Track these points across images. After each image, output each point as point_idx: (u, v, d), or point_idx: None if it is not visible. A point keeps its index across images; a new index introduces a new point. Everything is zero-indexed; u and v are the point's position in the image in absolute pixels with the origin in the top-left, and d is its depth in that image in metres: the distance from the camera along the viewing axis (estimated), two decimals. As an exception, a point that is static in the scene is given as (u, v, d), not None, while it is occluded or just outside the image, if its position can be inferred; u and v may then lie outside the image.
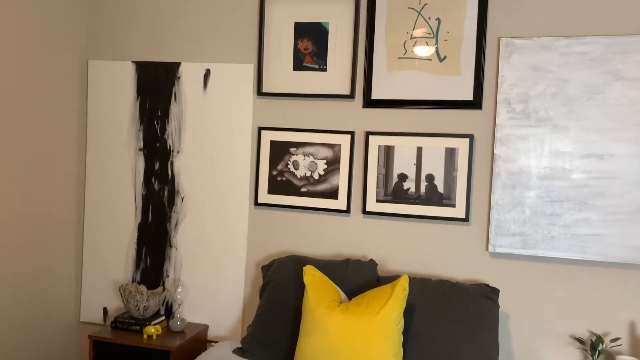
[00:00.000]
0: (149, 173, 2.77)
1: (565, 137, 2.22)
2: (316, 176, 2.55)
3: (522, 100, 2.26)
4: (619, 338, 2.17)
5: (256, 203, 2.63)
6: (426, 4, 2.38)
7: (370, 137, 2.48)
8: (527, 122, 2.26)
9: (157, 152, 2.76)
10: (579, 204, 2.21)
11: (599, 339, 2.13)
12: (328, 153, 2.54)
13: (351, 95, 2.49)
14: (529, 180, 2.26)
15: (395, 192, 2.45)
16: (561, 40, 2.22)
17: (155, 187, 2.76)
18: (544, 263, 2.29)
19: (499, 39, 2.30)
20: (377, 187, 2.48)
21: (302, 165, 2.57)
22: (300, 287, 2.28)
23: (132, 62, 2.77)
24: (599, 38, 2.18)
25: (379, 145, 2.47)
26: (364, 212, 2.49)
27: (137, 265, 2.81)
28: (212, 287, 2.70)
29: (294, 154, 2.58)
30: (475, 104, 2.33)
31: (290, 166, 2.58)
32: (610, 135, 2.18)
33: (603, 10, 2.20)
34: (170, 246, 2.75)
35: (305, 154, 2.57)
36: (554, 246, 2.24)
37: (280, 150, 2.60)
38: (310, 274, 2.15)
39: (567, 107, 2.22)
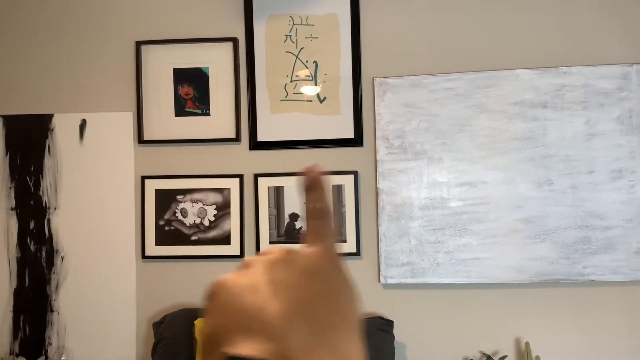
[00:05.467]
0: (23, 233, 2.56)
1: (441, 168, 2.35)
2: (206, 222, 2.49)
3: (398, 136, 2.37)
4: (506, 356, 2.28)
5: (144, 256, 2.51)
6: (303, 47, 2.45)
7: (259, 179, 2.47)
8: (405, 156, 2.36)
9: (31, 210, 2.56)
10: (459, 230, 2.33)
11: (489, 359, 2.23)
12: (217, 198, 2.49)
13: (237, 139, 2.48)
14: (412, 211, 2.35)
15: (288, 232, 2.44)
16: (429, 77, 2.36)
17: (32, 248, 2.55)
18: (433, 290, 2.37)
19: (373, 79, 2.41)
20: (270, 229, 2.46)
21: (191, 212, 2.50)
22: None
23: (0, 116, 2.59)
24: (462, 74, 2.35)
25: (268, 187, 2.47)
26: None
27: (14, 336, 2.55)
28: (101, 351, 2.51)
29: (181, 202, 2.50)
30: (356, 141, 2.41)
31: (178, 214, 2.50)
32: (481, 164, 2.33)
33: (465, 49, 2.38)
34: (52, 311, 2.53)
35: (193, 201, 2.50)
36: (441, 272, 2.33)
37: (166, 199, 2.51)
38: (203, 327, 2.06)
39: (440, 140, 2.35)
